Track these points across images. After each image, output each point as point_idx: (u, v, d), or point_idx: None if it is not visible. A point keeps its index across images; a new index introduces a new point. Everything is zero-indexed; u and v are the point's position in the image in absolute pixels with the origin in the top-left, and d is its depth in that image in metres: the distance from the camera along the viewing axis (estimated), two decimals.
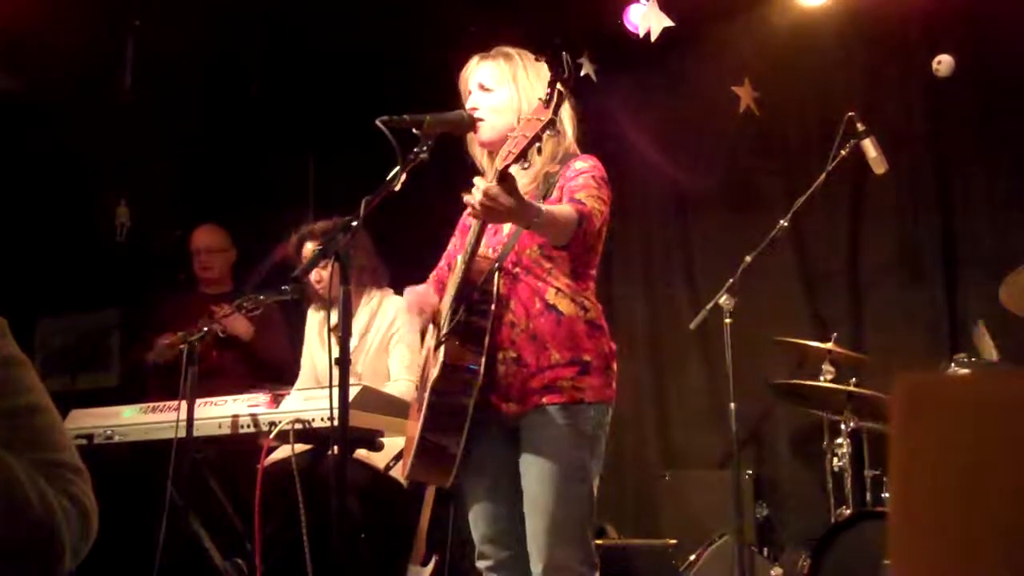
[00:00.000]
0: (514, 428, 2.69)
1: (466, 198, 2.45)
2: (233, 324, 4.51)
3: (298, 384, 4.19)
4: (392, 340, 4.13)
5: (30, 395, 1.45)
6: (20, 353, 1.47)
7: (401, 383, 4.02)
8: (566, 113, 2.82)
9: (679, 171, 5.49)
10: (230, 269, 5.16)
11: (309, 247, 4.21)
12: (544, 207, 2.54)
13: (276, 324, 4.81)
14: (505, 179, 2.39)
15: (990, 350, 3.97)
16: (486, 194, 2.38)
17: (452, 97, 2.91)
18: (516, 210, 2.43)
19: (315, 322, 4.33)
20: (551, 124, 2.39)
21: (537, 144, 2.39)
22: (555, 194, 2.72)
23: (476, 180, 2.44)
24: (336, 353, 4.11)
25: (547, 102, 2.39)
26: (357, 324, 4.10)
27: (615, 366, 2.76)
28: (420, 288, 2.90)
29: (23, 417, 1.42)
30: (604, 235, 2.80)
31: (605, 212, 2.72)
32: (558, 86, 2.38)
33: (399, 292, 4.22)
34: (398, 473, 3.73)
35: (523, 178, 2.74)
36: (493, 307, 2.63)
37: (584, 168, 2.73)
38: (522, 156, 2.39)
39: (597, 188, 2.69)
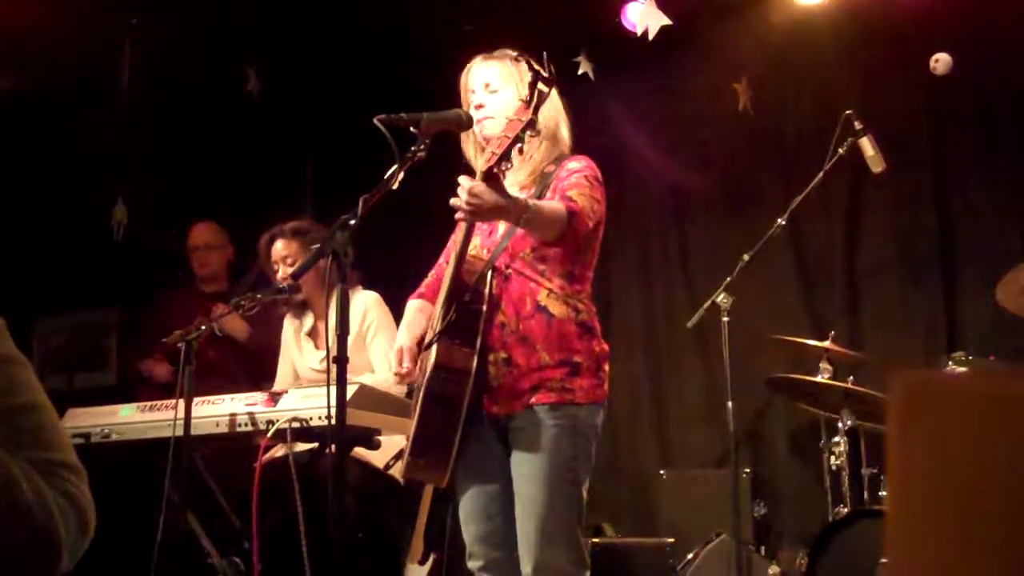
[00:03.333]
0: (505, 429, 2.70)
1: (453, 201, 2.47)
2: (229, 324, 4.51)
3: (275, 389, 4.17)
4: (368, 334, 4.12)
5: (27, 394, 1.44)
6: (17, 352, 1.47)
7: (381, 374, 4.01)
8: (561, 114, 2.83)
9: (676, 169, 5.50)
10: (226, 266, 5.15)
11: (279, 247, 4.19)
12: (534, 203, 2.55)
13: (273, 321, 4.78)
14: (489, 179, 2.42)
15: None
16: (470, 192, 2.43)
17: (450, 95, 2.91)
18: (503, 207, 2.47)
19: (291, 329, 4.32)
20: (531, 125, 2.42)
21: (519, 145, 2.43)
22: (549, 195, 2.73)
23: (461, 179, 2.47)
24: (318, 358, 4.11)
25: (528, 103, 2.42)
26: (330, 324, 4.08)
27: (607, 367, 2.76)
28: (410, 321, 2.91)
29: (20, 416, 1.42)
30: (600, 235, 2.80)
31: (599, 211, 2.73)
32: (539, 86, 2.41)
33: (400, 291, 4.22)
34: (398, 472, 3.72)
35: (520, 176, 2.76)
36: (484, 308, 2.64)
37: (577, 168, 2.75)
38: (505, 157, 2.42)
39: (589, 187, 2.70)
